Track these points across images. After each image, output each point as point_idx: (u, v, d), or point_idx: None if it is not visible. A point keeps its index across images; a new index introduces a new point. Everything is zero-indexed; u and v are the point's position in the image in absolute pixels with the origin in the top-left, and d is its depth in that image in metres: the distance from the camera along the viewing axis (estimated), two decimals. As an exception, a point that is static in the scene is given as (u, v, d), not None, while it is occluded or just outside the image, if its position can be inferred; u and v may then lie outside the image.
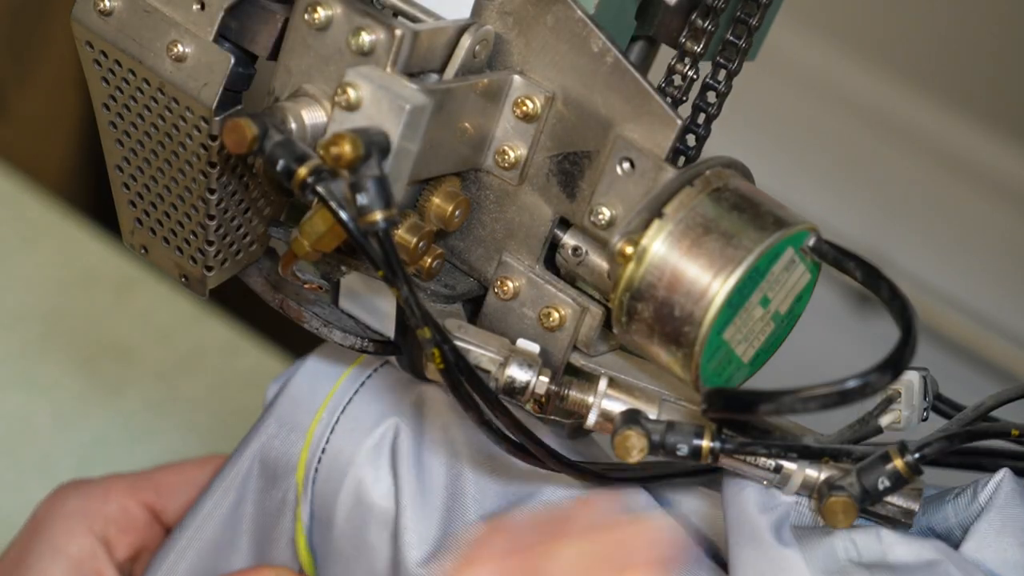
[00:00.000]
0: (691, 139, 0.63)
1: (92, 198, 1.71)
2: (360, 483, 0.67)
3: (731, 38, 0.64)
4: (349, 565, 0.68)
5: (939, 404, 0.64)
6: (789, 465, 0.60)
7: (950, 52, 1.60)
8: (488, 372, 0.61)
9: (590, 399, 0.61)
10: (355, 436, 0.68)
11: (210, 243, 0.64)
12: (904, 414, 0.62)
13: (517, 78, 0.61)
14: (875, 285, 0.57)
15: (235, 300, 0.90)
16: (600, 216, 0.60)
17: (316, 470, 0.68)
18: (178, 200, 0.64)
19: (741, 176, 0.60)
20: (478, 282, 0.66)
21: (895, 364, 0.55)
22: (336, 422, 0.68)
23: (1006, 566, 0.59)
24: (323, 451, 0.68)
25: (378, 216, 0.55)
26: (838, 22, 1.67)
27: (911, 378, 0.62)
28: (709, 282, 0.56)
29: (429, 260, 0.63)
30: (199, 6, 0.61)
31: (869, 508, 0.60)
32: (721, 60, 0.64)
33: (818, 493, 0.59)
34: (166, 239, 0.65)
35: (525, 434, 0.61)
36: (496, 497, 0.66)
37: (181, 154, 0.63)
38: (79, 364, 1.11)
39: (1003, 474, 0.60)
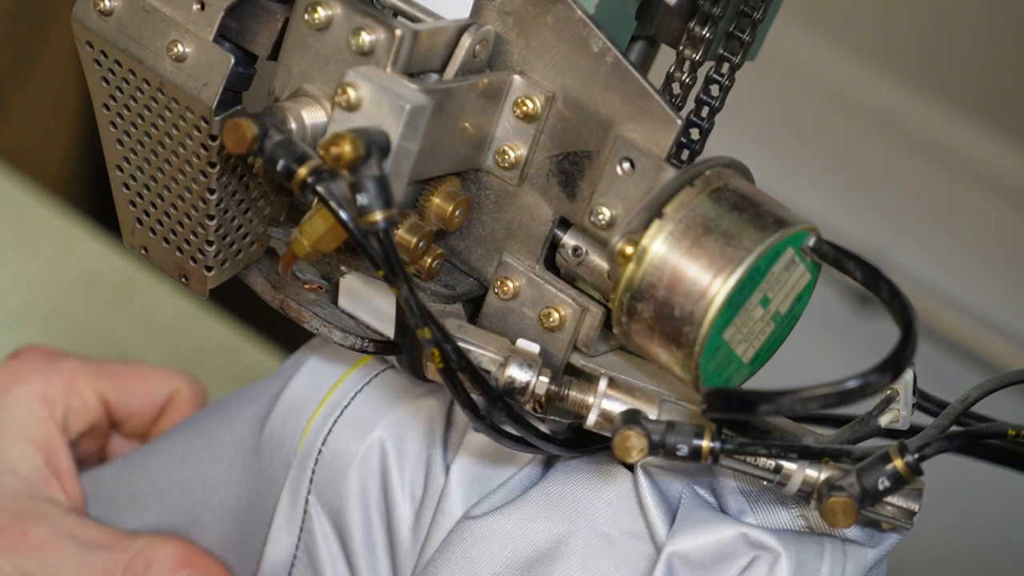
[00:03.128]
0: (695, 133, 0.63)
1: (92, 198, 1.71)
2: (362, 479, 0.67)
3: (735, 31, 0.64)
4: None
5: (920, 400, 0.64)
6: (789, 465, 0.60)
7: (950, 52, 1.60)
8: (488, 372, 0.61)
9: (590, 399, 0.61)
10: (357, 433, 0.68)
11: (210, 243, 0.64)
12: (903, 413, 0.62)
13: (517, 78, 0.61)
14: (875, 285, 0.57)
15: (235, 300, 0.90)
16: (600, 216, 0.60)
17: (314, 469, 0.68)
18: (178, 200, 0.64)
19: (741, 176, 0.60)
20: (478, 282, 0.66)
21: (895, 364, 0.55)
22: (338, 418, 0.68)
23: None
24: (321, 448, 0.68)
25: (378, 216, 0.55)
26: (838, 22, 1.67)
27: (908, 377, 0.62)
28: (709, 282, 0.56)
29: (429, 260, 0.63)
30: (199, 6, 0.61)
31: (869, 508, 0.60)
32: (724, 53, 0.64)
33: (818, 493, 0.59)
34: (166, 239, 0.65)
35: (528, 428, 0.61)
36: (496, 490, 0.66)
37: (181, 154, 0.63)
38: (79, 364, 1.11)
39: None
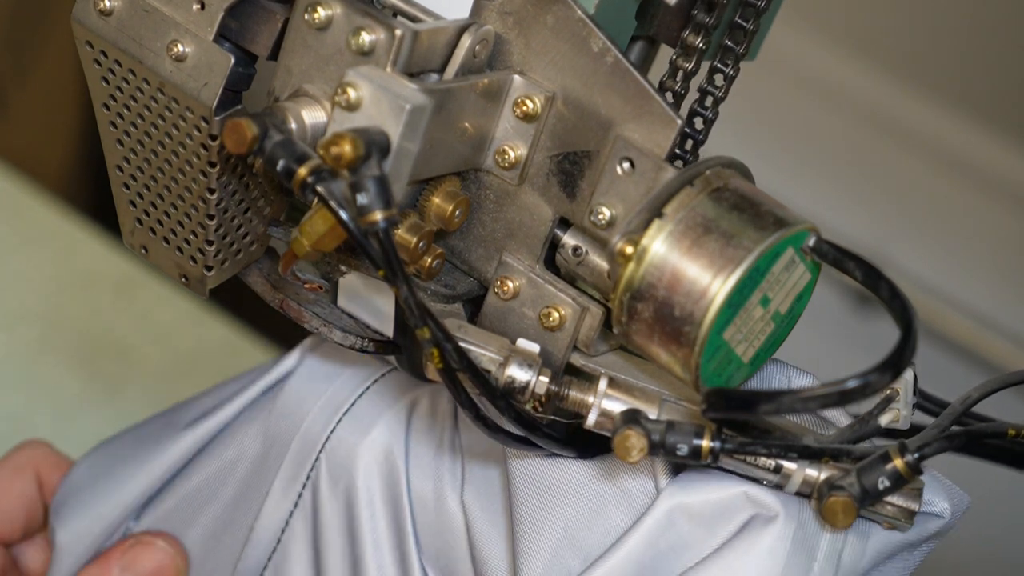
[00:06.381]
0: (688, 144, 0.63)
1: (92, 198, 1.72)
2: (368, 475, 0.67)
3: (728, 43, 0.64)
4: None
5: (921, 400, 0.64)
6: (789, 465, 0.60)
7: (950, 52, 1.61)
8: (488, 372, 0.61)
9: (590, 399, 0.61)
10: (360, 434, 0.68)
11: (210, 243, 0.64)
12: (903, 413, 0.62)
13: (517, 78, 0.61)
14: (875, 285, 0.57)
15: (235, 300, 0.90)
16: (600, 216, 0.60)
17: (314, 465, 0.68)
18: (178, 200, 0.64)
19: (741, 176, 0.60)
20: (478, 282, 0.66)
21: (895, 364, 0.55)
22: (342, 418, 0.68)
23: None
24: (324, 445, 0.68)
25: (378, 216, 0.55)
26: (838, 22, 1.67)
27: (907, 376, 0.62)
28: (709, 282, 0.56)
29: (429, 260, 0.63)
30: (199, 6, 0.61)
31: (869, 508, 0.60)
32: (718, 65, 0.64)
33: (818, 493, 0.59)
34: (166, 239, 0.65)
35: (529, 427, 0.61)
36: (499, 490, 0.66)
37: (181, 154, 0.63)
38: (79, 364, 1.11)
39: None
